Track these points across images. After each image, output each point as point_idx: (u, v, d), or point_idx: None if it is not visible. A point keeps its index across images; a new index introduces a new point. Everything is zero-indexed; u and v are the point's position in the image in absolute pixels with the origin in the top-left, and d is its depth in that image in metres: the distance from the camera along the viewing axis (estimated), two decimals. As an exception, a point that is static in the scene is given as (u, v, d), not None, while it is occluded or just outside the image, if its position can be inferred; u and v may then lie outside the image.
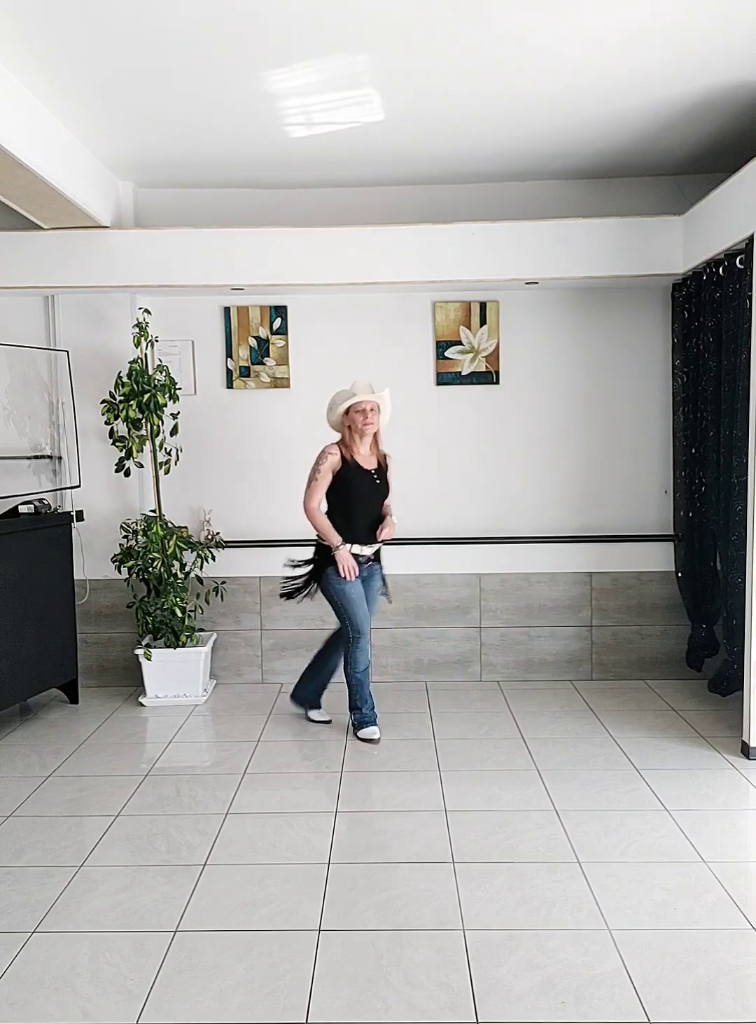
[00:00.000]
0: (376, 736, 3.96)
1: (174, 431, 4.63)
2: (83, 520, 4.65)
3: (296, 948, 2.36)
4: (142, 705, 4.55)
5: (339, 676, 4.16)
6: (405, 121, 3.92)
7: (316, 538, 3.99)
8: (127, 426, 4.43)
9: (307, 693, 4.29)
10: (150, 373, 4.48)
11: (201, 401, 4.90)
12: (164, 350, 4.79)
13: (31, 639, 4.25)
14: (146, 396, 4.38)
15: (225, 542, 4.79)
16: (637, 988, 2.16)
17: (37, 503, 4.36)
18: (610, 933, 2.40)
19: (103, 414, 4.46)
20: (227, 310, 4.88)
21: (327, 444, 3.94)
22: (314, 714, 4.27)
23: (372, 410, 3.86)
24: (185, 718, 4.36)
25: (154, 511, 4.67)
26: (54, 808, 3.31)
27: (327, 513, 3.95)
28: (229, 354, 4.90)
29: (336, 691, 4.33)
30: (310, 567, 4.01)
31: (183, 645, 4.52)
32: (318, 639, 4.91)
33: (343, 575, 3.84)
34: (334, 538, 3.85)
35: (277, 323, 4.88)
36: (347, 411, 3.89)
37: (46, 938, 2.44)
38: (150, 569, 4.46)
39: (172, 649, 4.52)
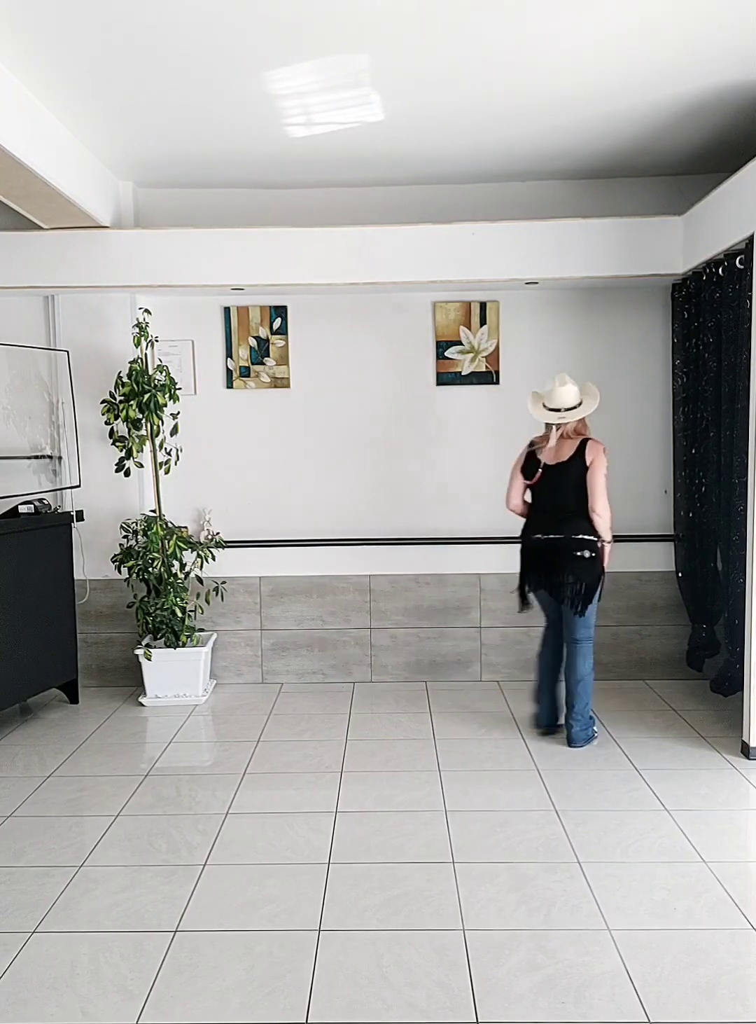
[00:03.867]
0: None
1: (174, 431, 4.62)
2: (83, 520, 4.65)
3: (296, 948, 2.36)
4: (142, 705, 4.55)
5: None
6: (405, 121, 3.92)
7: (593, 537, 3.80)
8: (127, 426, 4.44)
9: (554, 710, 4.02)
10: (150, 373, 4.48)
11: (201, 401, 4.90)
12: (164, 350, 4.79)
13: (31, 639, 4.25)
14: (146, 396, 4.38)
15: (225, 542, 4.79)
16: (637, 988, 2.16)
17: (37, 503, 4.36)
18: (610, 933, 2.40)
19: (103, 414, 4.47)
20: (227, 310, 4.88)
21: (596, 440, 3.85)
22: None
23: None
24: (185, 718, 4.36)
25: (154, 511, 4.67)
26: (54, 808, 3.31)
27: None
28: (229, 354, 4.90)
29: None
30: (591, 566, 3.80)
31: (183, 645, 4.52)
32: (317, 639, 4.93)
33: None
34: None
35: (277, 323, 4.88)
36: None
37: (46, 938, 2.44)
38: (150, 569, 4.46)
39: (172, 649, 4.52)
